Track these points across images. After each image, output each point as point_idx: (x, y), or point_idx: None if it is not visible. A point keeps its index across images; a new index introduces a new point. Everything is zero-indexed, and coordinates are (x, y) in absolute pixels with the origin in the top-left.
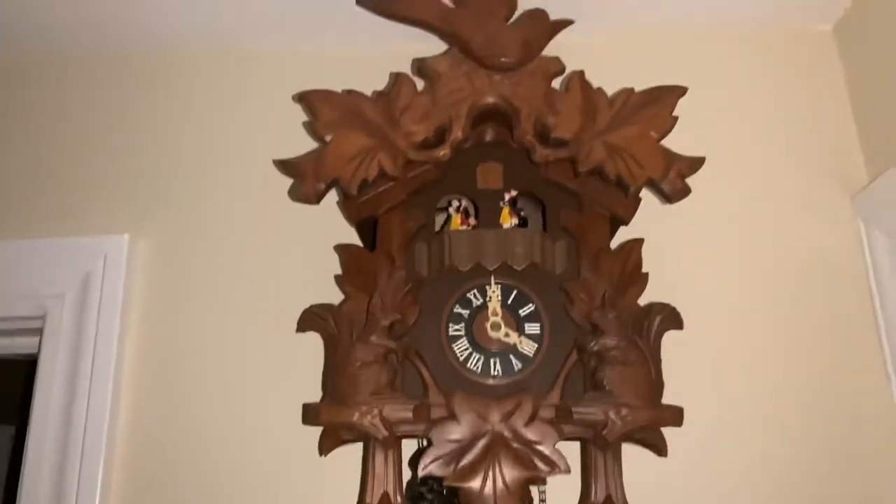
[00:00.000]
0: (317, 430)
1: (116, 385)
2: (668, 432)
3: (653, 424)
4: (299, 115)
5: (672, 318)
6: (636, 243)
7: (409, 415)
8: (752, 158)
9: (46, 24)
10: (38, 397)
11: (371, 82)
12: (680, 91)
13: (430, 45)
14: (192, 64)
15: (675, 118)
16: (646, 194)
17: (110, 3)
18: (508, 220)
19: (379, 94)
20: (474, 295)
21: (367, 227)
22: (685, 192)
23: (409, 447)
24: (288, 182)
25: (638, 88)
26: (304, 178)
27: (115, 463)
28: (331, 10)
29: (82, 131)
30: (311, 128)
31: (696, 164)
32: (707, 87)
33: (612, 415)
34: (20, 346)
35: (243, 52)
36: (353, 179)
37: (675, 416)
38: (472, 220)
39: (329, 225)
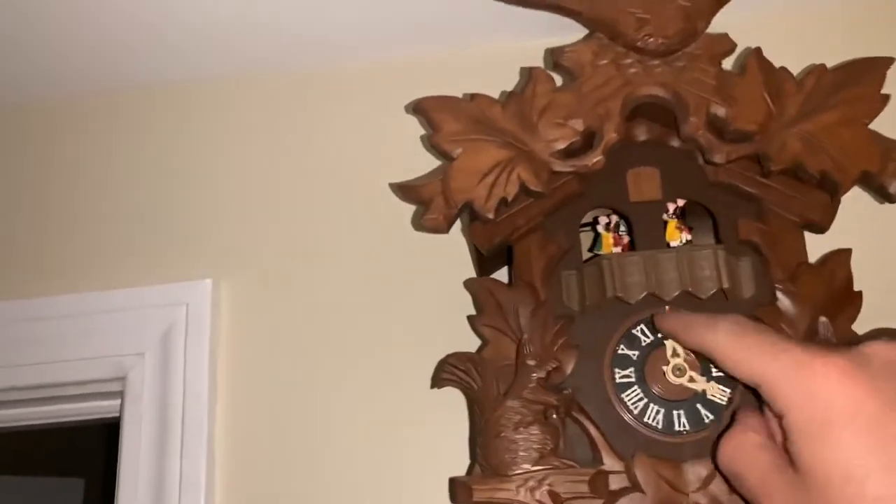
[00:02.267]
0: None
1: (210, 450)
2: None
3: None
4: (410, 131)
5: None
6: (843, 255)
7: (584, 487)
8: None
9: (119, 56)
10: (125, 466)
11: (492, 87)
12: (886, 62)
13: (562, 38)
14: (280, 86)
15: (886, 97)
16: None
17: (192, 26)
18: (677, 237)
19: (510, 96)
20: (642, 331)
21: (496, 257)
22: None
23: None
24: (403, 208)
25: (830, 63)
26: (432, 203)
27: None
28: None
29: (154, 170)
30: (432, 142)
31: None
32: None
33: None
34: (98, 409)
35: (337, 69)
36: (490, 200)
37: None
38: (625, 239)
39: (452, 257)
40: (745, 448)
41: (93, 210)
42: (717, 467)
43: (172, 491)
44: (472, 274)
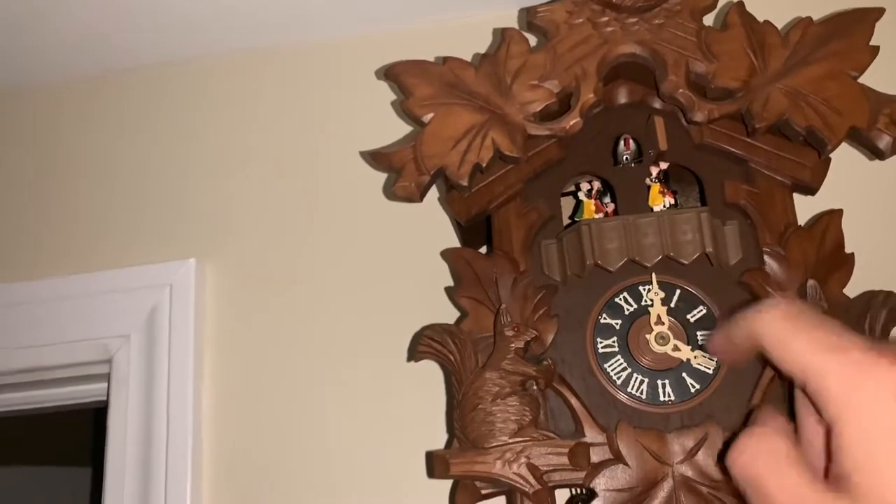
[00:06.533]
0: (446, 484)
1: (196, 432)
2: None
3: None
4: (387, 99)
5: None
6: (833, 216)
7: (564, 459)
8: None
9: (94, 42)
10: (112, 449)
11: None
12: (875, 13)
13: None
14: (257, 64)
15: (875, 49)
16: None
17: (169, 7)
18: (660, 202)
19: (483, 58)
20: (625, 300)
21: (477, 227)
22: None
23: (561, 496)
24: (379, 178)
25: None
26: (404, 171)
27: None
28: None
29: (136, 151)
30: (404, 108)
31: None
32: None
33: None
34: (86, 393)
35: (315, 44)
36: (463, 166)
37: None
38: (608, 206)
39: (431, 227)
40: (771, 458)
41: (75, 193)
42: (725, 472)
43: (159, 473)
44: (453, 245)
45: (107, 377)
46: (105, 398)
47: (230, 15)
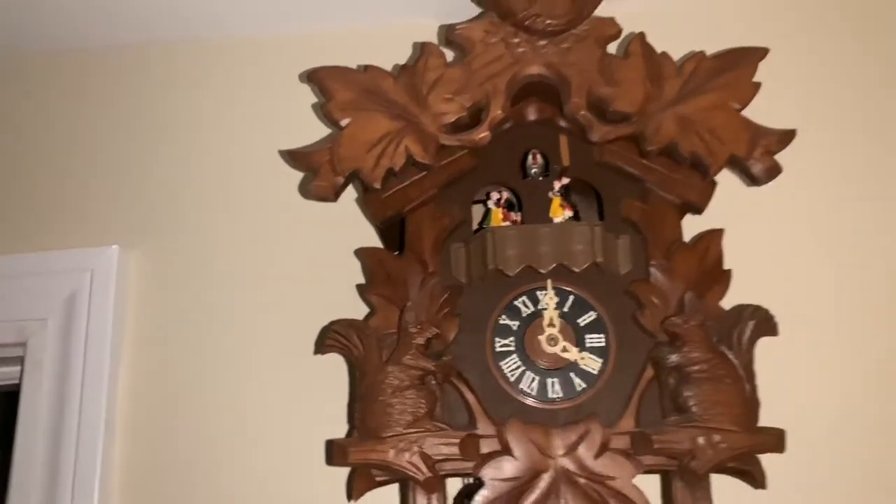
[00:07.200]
0: (345, 471)
1: (109, 420)
2: (765, 459)
3: (751, 451)
4: (308, 101)
5: (766, 324)
6: (715, 235)
7: (455, 450)
8: (845, 126)
9: (20, 19)
10: (21, 434)
11: (390, 62)
12: (761, 52)
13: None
14: (180, 56)
15: (757, 85)
16: (719, 175)
17: None
18: (560, 214)
19: (402, 69)
20: (524, 303)
21: (393, 228)
22: (775, 170)
23: (454, 485)
24: (298, 177)
25: (707, 52)
26: (319, 171)
27: None
28: None
29: (64, 134)
30: (324, 111)
31: (786, 137)
32: (785, 45)
33: (701, 442)
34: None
35: (238, 39)
36: (377, 170)
37: (776, 440)
38: (515, 216)
39: (348, 226)
40: None
41: (2, 174)
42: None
43: (68, 457)
44: (368, 244)
45: (21, 360)
46: (18, 381)
47: (160, 3)
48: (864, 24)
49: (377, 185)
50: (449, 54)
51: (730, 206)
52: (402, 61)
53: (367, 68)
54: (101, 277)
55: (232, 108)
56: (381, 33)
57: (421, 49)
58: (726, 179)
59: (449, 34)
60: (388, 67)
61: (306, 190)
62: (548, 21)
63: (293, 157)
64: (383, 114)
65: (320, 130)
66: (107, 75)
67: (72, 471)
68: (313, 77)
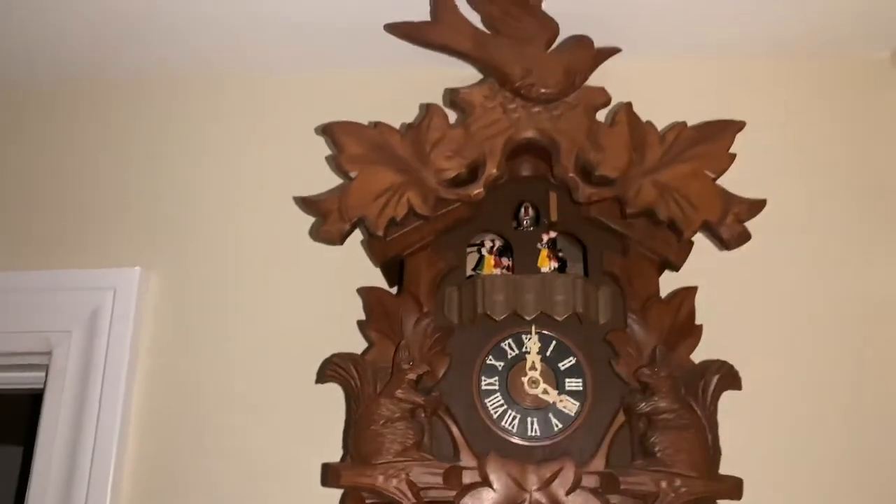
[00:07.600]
0: (338, 493)
1: (123, 431)
2: None
3: (710, 496)
4: (323, 148)
5: (730, 378)
6: (689, 292)
7: (439, 479)
8: (812, 198)
9: (55, 50)
10: (43, 437)
11: (402, 109)
12: (737, 126)
13: (466, 70)
14: (209, 91)
15: (733, 156)
16: (697, 237)
17: (120, 27)
18: (547, 264)
19: (408, 128)
20: (509, 346)
21: (394, 269)
22: (744, 237)
23: None
24: (310, 220)
25: (690, 122)
26: (328, 217)
27: None
28: (357, 36)
29: (92, 160)
30: (336, 163)
31: (756, 206)
32: (762, 120)
33: (664, 486)
34: (26, 380)
35: (265, 80)
36: (381, 218)
37: (734, 487)
38: (506, 262)
39: (353, 266)
40: None
41: (30, 195)
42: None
43: (84, 460)
44: (372, 283)
45: (45, 368)
46: (42, 387)
47: (195, 35)
48: (835, 102)
49: (380, 233)
50: (451, 114)
51: (706, 265)
52: (412, 108)
53: (377, 125)
54: (123, 295)
55: (250, 147)
56: (395, 81)
57: (426, 110)
58: (702, 241)
59: (452, 97)
60: (400, 113)
61: (316, 233)
62: (542, 90)
63: (305, 204)
64: (389, 167)
65: (332, 178)
66: (138, 104)
67: (88, 469)
68: (327, 130)
